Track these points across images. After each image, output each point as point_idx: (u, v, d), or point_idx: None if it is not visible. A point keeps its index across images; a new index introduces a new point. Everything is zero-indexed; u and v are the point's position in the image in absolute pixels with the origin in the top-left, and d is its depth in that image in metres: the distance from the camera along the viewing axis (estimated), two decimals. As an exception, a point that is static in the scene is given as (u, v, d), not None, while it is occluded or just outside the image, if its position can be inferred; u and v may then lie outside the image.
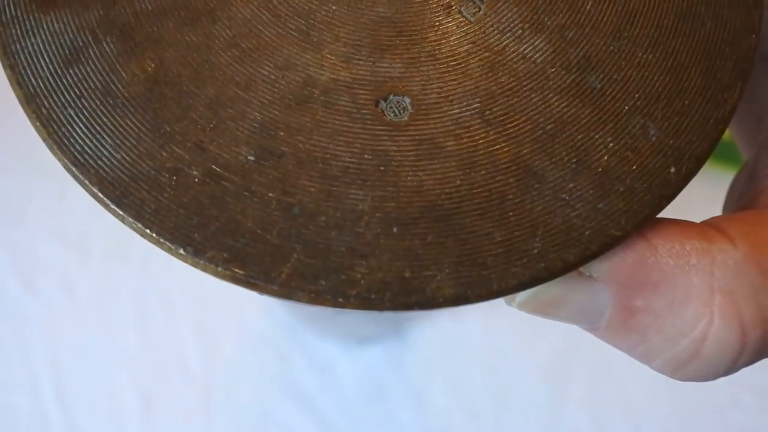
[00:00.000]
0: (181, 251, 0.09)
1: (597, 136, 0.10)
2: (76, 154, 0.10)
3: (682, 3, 0.10)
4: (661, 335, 0.10)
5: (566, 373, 0.42)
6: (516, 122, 0.10)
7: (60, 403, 0.43)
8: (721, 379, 0.11)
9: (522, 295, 0.11)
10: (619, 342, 0.11)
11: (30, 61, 0.10)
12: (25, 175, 0.51)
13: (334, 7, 0.09)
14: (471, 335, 0.41)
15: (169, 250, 0.10)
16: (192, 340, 0.42)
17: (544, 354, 0.41)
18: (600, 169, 0.10)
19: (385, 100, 0.10)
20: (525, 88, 0.10)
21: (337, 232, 0.09)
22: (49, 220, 0.48)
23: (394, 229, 0.09)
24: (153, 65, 0.10)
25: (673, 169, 0.10)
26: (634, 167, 0.10)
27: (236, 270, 0.10)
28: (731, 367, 0.11)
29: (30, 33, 0.10)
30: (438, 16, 0.10)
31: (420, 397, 0.42)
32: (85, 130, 0.09)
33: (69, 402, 0.42)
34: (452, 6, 0.10)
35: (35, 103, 0.11)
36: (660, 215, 0.10)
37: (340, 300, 0.10)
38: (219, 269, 0.10)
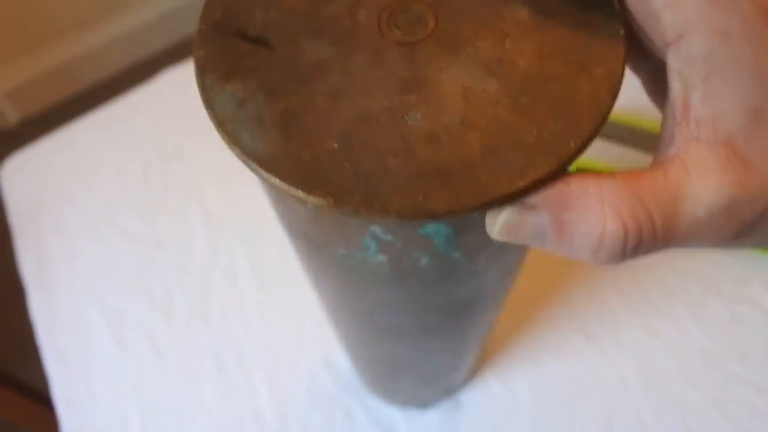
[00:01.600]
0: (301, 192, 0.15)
1: (527, 128, 0.15)
2: (245, 150, 0.15)
3: (559, 61, 0.16)
4: (579, 237, 0.15)
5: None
6: (481, 125, 0.15)
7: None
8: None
9: (496, 227, 0.16)
10: (559, 248, 0.16)
11: (220, 105, 0.16)
12: (119, 242, 0.57)
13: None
14: (519, 400, 0.44)
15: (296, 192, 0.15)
16: (265, 396, 0.46)
17: (587, 419, 0.43)
18: (530, 143, 0.15)
19: (408, 115, 0.15)
20: (487, 106, 0.15)
21: (384, 182, 0.14)
22: (139, 284, 0.54)
23: (414, 180, 0.14)
24: (284, 106, 0.16)
25: (572, 143, 0.15)
26: (549, 141, 0.15)
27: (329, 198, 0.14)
28: (623, 251, 0.16)
29: (220, 92, 0.16)
30: (436, 73, 0.16)
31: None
32: (249, 137, 0.15)
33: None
34: (443, 69, 0.16)
35: (223, 126, 0.16)
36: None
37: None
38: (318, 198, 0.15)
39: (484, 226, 0.16)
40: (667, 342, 0.44)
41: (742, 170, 0.15)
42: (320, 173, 0.14)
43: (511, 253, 0.21)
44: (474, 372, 0.44)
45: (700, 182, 0.15)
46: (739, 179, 0.15)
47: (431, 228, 0.16)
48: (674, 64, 0.16)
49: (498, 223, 0.16)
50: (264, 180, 0.15)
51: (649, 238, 0.15)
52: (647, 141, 0.51)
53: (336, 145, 0.15)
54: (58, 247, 0.58)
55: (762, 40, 0.15)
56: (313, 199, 0.14)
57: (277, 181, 0.14)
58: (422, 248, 0.17)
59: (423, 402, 0.43)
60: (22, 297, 0.56)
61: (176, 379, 0.48)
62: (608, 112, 0.15)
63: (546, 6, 0.16)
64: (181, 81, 0.71)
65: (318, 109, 0.15)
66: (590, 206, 0.15)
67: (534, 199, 0.15)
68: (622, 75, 0.16)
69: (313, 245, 0.19)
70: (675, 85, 0.16)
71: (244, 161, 0.15)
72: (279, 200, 0.18)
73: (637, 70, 0.20)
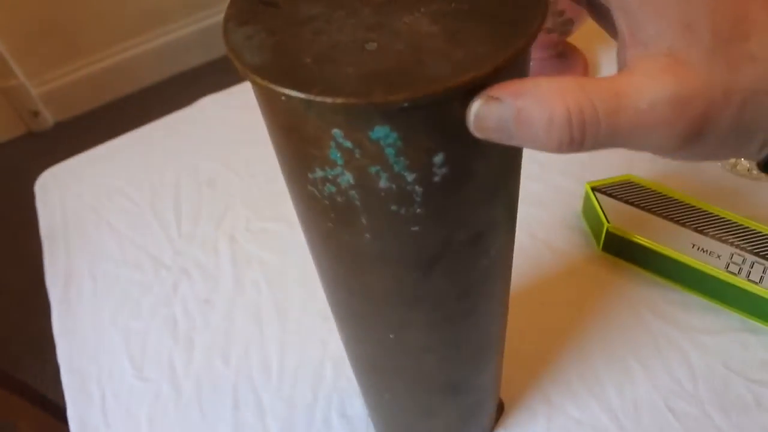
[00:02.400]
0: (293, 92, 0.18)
1: (457, 50, 0.18)
2: (244, 62, 0.19)
3: None
4: (534, 122, 0.18)
5: None
6: (421, 49, 0.19)
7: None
8: None
9: (470, 119, 0.19)
10: (521, 137, 0.19)
11: (234, 39, 0.20)
12: (146, 268, 0.58)
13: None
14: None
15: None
16: (279, 444, 0.46)
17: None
18: (458, 59, 0.18)
19: (367, 44, 0.19)
20: (428, 39, 0.19)
21: (341, 80, 0.18)
22: (162, 313, 0.54)
23: (364, 79, 0.18)
24: (278, 39, 0.20)
25: (489, 62, 0.18)
26: (473, 58, 0.18)
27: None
28: (570, 133, 0.18)
29: (235, 31, 0.20)
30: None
31: None
32: (249, 56, 0.19)
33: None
34: (401, 19, 0.20)
35: (233, 50, 0.20)
36: None
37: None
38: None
39: (428, 139, 0.19)
40: (688, 425, 0.44)
41: (683, 72, 0.18)
42: (295, 76, 0.18)
43: (467, 190, 0.22)
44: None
45: (643, 80, 0.18)
46: (679, 78, 0.18)
47: (380, 131, 0.19)
48: (615, 2, 0.19)
49: (470, 115, 0.19)
50: (254, 82, 0.19)
51: (592, 121, 0.18)
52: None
53: (309, 60, 0.19)
54: (87, 266, 0.59)
55: None
56: (286, 90, 0.18)
57: (260, 80, 0.18)
58: (377, 162, 0.20)
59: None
60: (41, 299, 0.57)
61: (192, 414, 0.48)
62: (521, 49, 0.18)
63: None
64: (218, 108, 0.72)
65: (302, 41, 0.19)
66: (540, 94, 0.18)
67: (495, 90, 0.18)
68: (538, 27, 0.19)
69: (294, 171, 0.22)
70: (619, 20, 0.20)
71: (242, 71, 0.19)
72: (266, 104, 0.21)
73: (587, 9, 0.24)
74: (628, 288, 0.51)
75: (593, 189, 0.53)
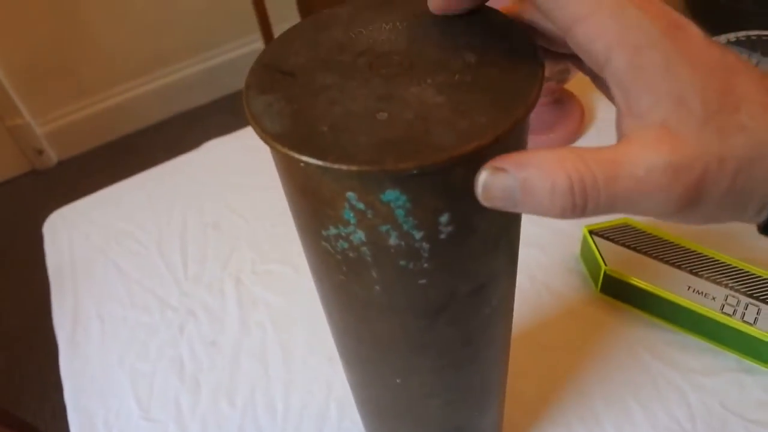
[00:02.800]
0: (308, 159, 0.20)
1: (461, 120, 0.20)
2: (264, 129, 0.21)
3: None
4: (537, 191, 0.19)
5: None
6: (428, 119, 0.20)
7: None
8: None
9: (478, 189, 0.20)
10: (526, 204, 0.20)
11: (254, 106, 0.22)
12: (153, 310, 0.59)
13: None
14: None
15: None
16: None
17: None
18: (462, 128, 0.20)
19: (378, 114, 0.21)
20: (434, 109, 0.21)
21: (355, 148, 0.19)
22: (169, 354, 0.55)
23: (376, 148, 0.19)
24: (296, 107, 0.21)
25: (491, 131, 0.19)
26: (476, 128, 0.19)
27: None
28: (573, 201, 0.19)
29: (256, 99, 0.22)
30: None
31: None
32: (269, 123, 0.21)
33: None
34: (409, 90, 0.22)
35: (254, 117, 0.21)
36: None
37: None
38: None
39: (435, 201, 0.21)
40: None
41: (677, 141, 0.19)
42: (312, 144, 0.20)
43: (470, 244, 0.23)
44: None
45: (639, 149, 0.19)
46: (674, 147, 0.19)
47: (391, 194, 0.20)
48: (610, 78, 0.20)
49: (478, 185, 0.20)
50: (274, 149, 0.20)
51: (592, 189, 0.19)
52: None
53: (325, 129, 0.20)
54: (94, 308, 0.60)
55: (665, 47, 0.19)
56: (304, 158, 0.19)
57: (280, 147, 0.20)
58: (388, 221, 0.21)
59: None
60: (39, 336, 0.58)
61: (197, 457, 0.48)
62: (520, 118, 0.20)
63: (487, 55, 0.22)
64: (223, 151, 0.74)
65: (318, 110, 0.21)
66: (543, 164, 0.19)
67: (500, 161, 0.20)
68: (535, 98, 0.21)
69: (308, 228, 0.24)
70: (616, 93, 0.21)
71: (262, 137, 0.20)
72: (285, 168, 0.22)
73: (591, 78, 0.26)
74: (627, 329, 0.52)
75: (591, 232, 0.55)
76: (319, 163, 0.19)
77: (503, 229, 0.24)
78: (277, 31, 1.40)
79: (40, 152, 1.85)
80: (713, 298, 0.49)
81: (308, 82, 0.22)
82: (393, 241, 0.21)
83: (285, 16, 1.64)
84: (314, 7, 1.33)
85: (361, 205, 0.20)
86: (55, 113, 1.84)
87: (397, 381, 0.29)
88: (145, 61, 1.89)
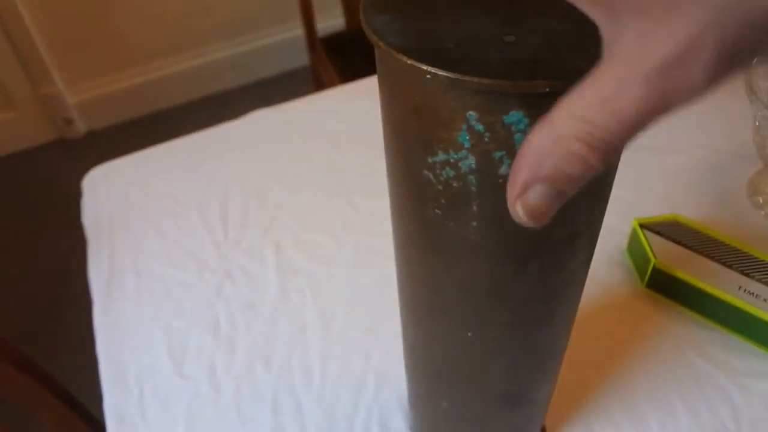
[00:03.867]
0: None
1: (589, 42, 0.19)
2: (387, 43, 0.20)
3: None
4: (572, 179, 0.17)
5: None
6: (552, 43, 0.20)
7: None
8: None
9: (526, 220, 0.19)
10: (568, 185, 0.18)
11: (374, 23, 0.21)
12: (191, 270, 0.58)
13: None
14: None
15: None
16: (321, 449, 0.46)
17: None
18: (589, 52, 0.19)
19: (505, 37, 0.20)
20: (557, 36, 0.20)
21: (484, 65, 0.19)
22: (205, 314, 0.55)
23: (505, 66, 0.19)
24: (419, 26, 0.21)
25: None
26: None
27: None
28: (600, 163, 0.17)
29: (374, 16, 0.21)
30: None
31: None
32: (392, 38, 0.20)
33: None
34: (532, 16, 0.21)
35: (376, 32, 0.20)
36: None
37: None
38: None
39: None
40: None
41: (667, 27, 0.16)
42: (439, 57, 0.19)
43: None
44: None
45: (627, 65, 0.16)
46: (665, 35, 0.16)
47: (514, 116, 0.19)
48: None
49: (524, 217, 0.18)
50: (398, 61, 0.19)
51: (599, 145, 0.17)
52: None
53: (452, 46, 0.19)
54: (131, 264, 0.60)
55: None
56: (433, 69, 0.19)
57: (406, 58, 0.19)
58: (504, 146, 0.20)
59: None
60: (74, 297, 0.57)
61: (230, 417, 0.48)
62: None
63: None
64: (267, 123, 0.73)
65: (442, 30, 0.20)
66: (530, 156, 0.18)
67: (513, 186, 0.18)
68: None
69: (411, 155, 0.23)
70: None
71: (386, 50, 0.20)
72: (402, 85, 0.21)
73: None
74: (671, 326, 0.51)
75: (641, 225, 0.54)
76: (449, 74, 0.18)
77: (605, 174, 0.23)
78: (320, 19, 1.39)
79: (69, 122, 1.86)
80: (765, 300, 0.48)
81: (429, 6, 0.22)
82: (504, 170, 0.21)
83: (327, 5, 1.64)
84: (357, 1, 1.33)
85: (480, 127, 0.20)
86: (87, 84, 1.85)
87: (468, 334, 0.28)
88: (181, 39, 1.89)
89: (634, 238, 0.55)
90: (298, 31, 1.77)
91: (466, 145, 0.20)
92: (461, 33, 0.20)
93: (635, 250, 0.55)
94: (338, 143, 0.69)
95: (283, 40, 1.99)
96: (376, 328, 0.52)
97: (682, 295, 0.51)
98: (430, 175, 0.22)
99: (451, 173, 0.22)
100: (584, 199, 0.23)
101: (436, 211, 0.23)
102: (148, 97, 1.93)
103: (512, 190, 0.18)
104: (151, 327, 0.54)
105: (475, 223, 0.23)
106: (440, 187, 0.22)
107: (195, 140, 0.72)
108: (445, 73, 0.18)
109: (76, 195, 0.69)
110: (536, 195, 0.18)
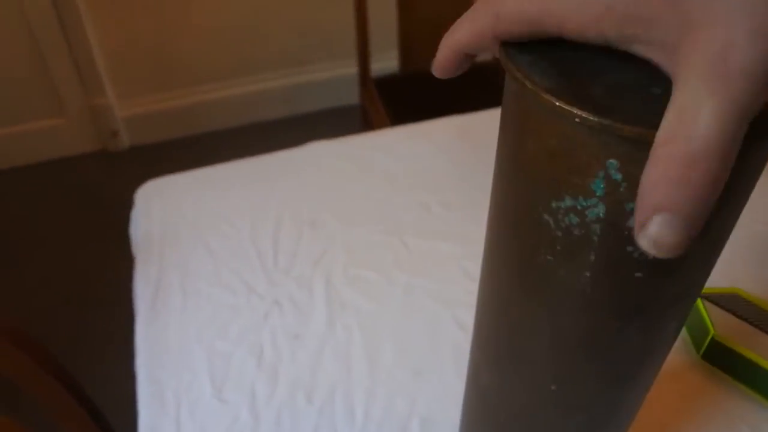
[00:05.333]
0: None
1: None
2: (535, 84, 0.20)
3: None
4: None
5: None
6: None
7: None
8: None
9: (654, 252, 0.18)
10: (692, 200, 0.17)
11: (518, 61, 0.21)
12: (239, 293, 0.58)
13: None
14: None
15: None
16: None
17: None
18: None
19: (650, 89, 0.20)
20: None
21: (635, 117, 0.18)
22: (250, 339, 0.54)
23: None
24: (560, 69, 0.21)
25: None
26: None
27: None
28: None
29: (517, 56, 0.21)
30: None
31: None
32: (539, 79, 0.20)
33: None
34: None
35: (521, 71, 0.20)
36: None
37: None
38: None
39: None
40: None
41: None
42: (587, 102, 0.19)
43: (704, 242, 0.22)
44: None
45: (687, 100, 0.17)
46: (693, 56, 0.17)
47: None
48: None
49: (653, 249, 0.18)
50: (543, 101, 0.19)
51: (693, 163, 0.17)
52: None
53: (599, 92, 0.19)
54: (179, 280, 0.59)
55: None
56: (583, 114, 0.18)
57: (554, 99, 0.19)
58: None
59: None
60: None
61: (269, 446, 0.47)
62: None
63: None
64: (326, 155, 0.74)
65: (585, 77, 0.20)
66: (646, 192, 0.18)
67: (641, 228, 0.18)
68: None
69: (534, 197, 0.22)
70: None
71: (533, 90, 0.19)
72: (541, 124, 0.21)
73: None
74: (728, 401, 0.49)
75: (701, 296, 0.53)
76: (602, 120, 0.18)
77: (722, 238, 0.23)
78: (375, 60, 1.41)
79: (115, 134, 1.89)
80: (828, 385, 0.47)
81: (569, 50, 0.21)
82: (631, 222, 0.20)
83: (384, 46, 1.66)
84: (414, 42, 1.34)
85: (618, 176, 0.19)
86: (137, 99, 1.89)
87: (552, 388, 0.27)
88: (235, 66, 1.93)
89: (693, 308, 0.54)
90: (350, 69, 1.79)
91: (599, 193, 0.20)
92: (607, 80, 0.20)
93: (693, 320, 0.53)
94: (394, 182, 0.69)
95: (335, 76, 2.02)
96: (424, 372, 0.51)
97: (739, 370, 0.50)
98: (550, 220, 0.22)
99: (575, 220, 0.21)
100: (700, 256, 0.23)
101: (549, 257, 0.23)
102: (193, 119, 1.97)
103: (639, 238, 0.18)
104: (194, 346, 0.54)
105: (588, 274, 0.22)
106: (559, 233, 0.22)
107: (252, 164, 0.73)
108: (596, 118, 0.18)
109: (114, 205, 0.69)
110: (656, 227, 0.17)
